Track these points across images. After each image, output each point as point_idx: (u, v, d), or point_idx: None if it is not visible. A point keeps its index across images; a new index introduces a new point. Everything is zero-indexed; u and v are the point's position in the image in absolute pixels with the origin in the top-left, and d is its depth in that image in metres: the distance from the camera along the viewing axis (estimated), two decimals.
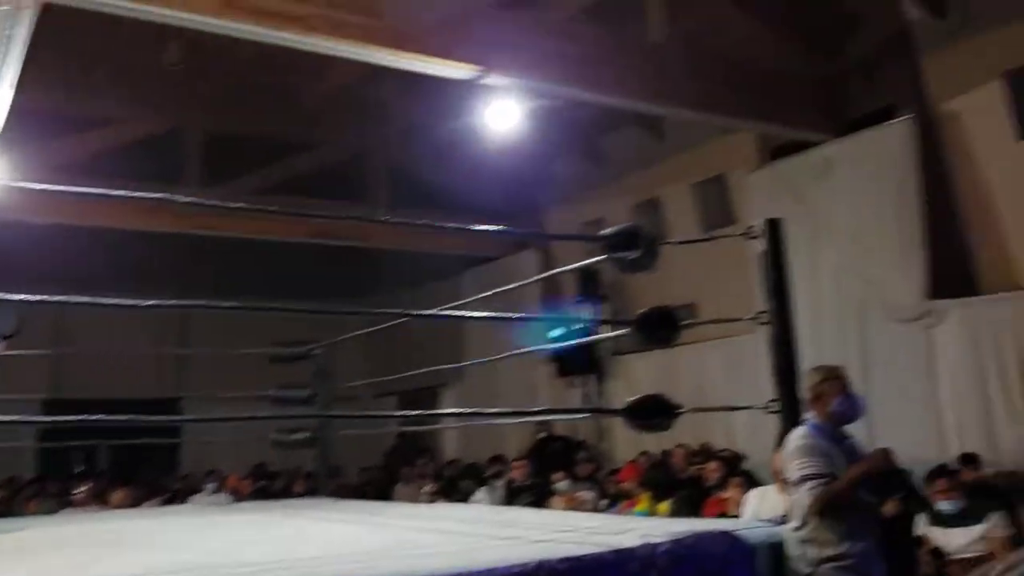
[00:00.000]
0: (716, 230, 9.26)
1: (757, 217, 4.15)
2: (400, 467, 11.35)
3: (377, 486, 10.77)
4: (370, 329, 6.16)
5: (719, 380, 9.21)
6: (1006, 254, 7.57)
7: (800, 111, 8.37)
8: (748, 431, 8.46)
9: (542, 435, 10.89)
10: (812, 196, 8.41)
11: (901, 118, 7.84)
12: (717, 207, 9.87)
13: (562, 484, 8.00)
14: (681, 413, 3.83)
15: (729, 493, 6.33)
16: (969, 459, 6.68)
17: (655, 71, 7.29)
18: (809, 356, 4.42)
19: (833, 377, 3.80)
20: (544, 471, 8.64)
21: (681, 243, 4.44)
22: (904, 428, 7.13)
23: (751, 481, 6.26)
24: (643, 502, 6.82)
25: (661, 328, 4.10)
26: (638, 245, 3.92)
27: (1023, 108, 7.41)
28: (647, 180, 10.58)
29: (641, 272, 4.10)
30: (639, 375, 10.15)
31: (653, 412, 3.81)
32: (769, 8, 8.28)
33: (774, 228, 4.07)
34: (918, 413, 7.48)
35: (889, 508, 5.69)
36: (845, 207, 8.18)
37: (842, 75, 8.61)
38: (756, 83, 8.02)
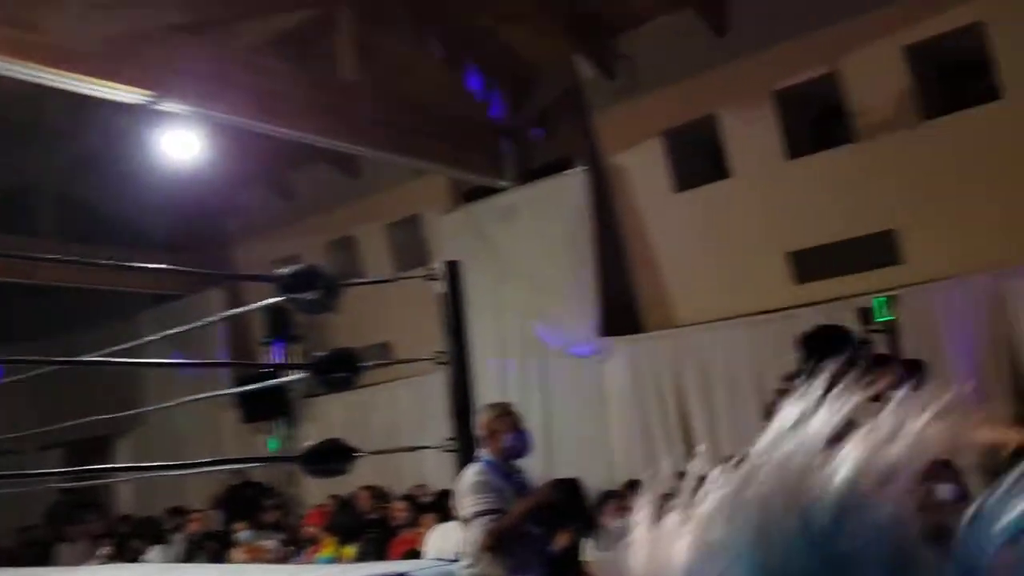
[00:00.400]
0: (410, 270, 9.36)
1: (448, 258, 4.24)
2: (65, 525, 10.27)
3: (39, 548, 9.69)
4: (23, 376, 5.54)
5: (412, 418, 9.24)
6: (665, 296, 8.35)
7: (485, 157, 8.71)
8: (439, 469, 8.56)
9: (234, 482, 10.33)
10: (498, 239, 8.77)
11: (576, 169, 8.41)
12: (412, 248, 9.97)
13: (244, 534, 7.62)
14: (359, 456, 3.79)
15: (421, 531, 6.36)
16: (633, 484, 7.21)
17: (343, 109, 7.26)
18: (495, 393, 4.56)
19: (504, 414, 3.92)
20: (236, 520, 8.19)
21: (360, 284, 4.44)
22: (581, 458, 7.60)
23: (445, 518, 6.31)
24: (328, 547, 6.67)
25: (340, 370, 4.03)
26: (317, 286, 3.83)
27: (679, 163, 8.23)
28: (342, 218, 10.47)
29: (322, 313, 4.02)
30: (332, 417, 9.95)
31: (330, 457, 3.73)
32: (458, 55, 8.59)
33: (453, 270, 4.16)
34: (592, 443, 7.99)
35: (562, 540, 5.95)
36: (527, 250, 8.61)
37: (524, 125, 9.09)
38: (444, 128, 8.25)
